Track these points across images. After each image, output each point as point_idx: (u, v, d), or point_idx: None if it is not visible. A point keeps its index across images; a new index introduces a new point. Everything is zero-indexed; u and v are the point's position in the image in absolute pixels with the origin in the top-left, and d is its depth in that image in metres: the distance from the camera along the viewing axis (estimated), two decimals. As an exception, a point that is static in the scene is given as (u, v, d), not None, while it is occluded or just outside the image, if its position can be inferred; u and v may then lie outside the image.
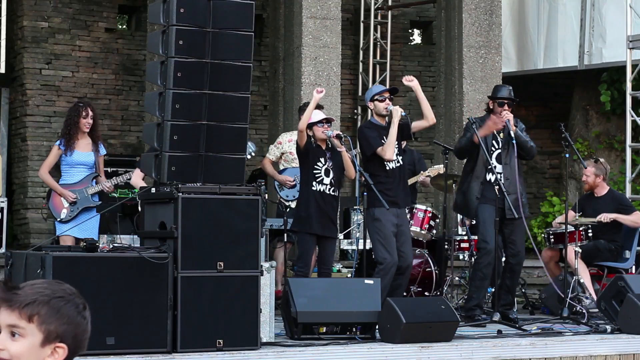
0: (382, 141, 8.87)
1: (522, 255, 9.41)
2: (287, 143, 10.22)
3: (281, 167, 10.30)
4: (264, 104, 14.00)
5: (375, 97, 9.02)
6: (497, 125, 9.14)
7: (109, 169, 11.73)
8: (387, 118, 9.02)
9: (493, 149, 9.29)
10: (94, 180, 9.28)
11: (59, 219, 9.17)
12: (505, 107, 9.28)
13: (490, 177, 9.19)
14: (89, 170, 9.28)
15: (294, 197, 9.89)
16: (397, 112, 8.85)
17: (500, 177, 9.15)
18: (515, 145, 9.11)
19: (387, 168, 8.91)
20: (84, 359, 7.56)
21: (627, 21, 12.51)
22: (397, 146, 8.96)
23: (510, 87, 9.48)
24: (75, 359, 2.59)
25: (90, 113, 9.22)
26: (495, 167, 9.23)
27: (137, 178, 9.33)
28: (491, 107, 9.41)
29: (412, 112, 9.57)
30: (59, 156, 9.20)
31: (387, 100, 8.97)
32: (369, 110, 9.32)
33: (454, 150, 9.77)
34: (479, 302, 9.29)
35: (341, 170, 8.93)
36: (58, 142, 9.24)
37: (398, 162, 8.98)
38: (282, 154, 10.33)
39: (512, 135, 9.14)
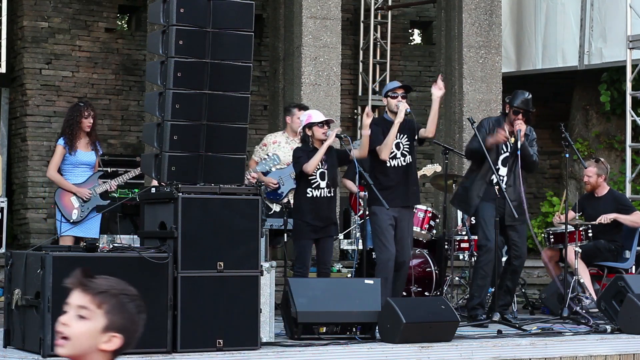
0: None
1: (525, 257, 9.44)
2: (272, 145, 10.14)
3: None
4: (264, 104, 13.99)
5: (389, 94, 8.98)
6: (500, 139, 9.11)
7: (109, 169, 11.73)
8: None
9: (502, 151, 9.27)
10: (99, 179, 9.31)
11: (71, 220, 9.12)
12: (520, 116, 9.23)
13: (494, 177, 9.18)
14: (91, 170, 9.30)
15: (278, 198, 9.87)
16: (401, 111, 8.79)
17: (503, 179, 9.16)
18: (519, 156, 9.10)
19: (388, 165, 8.88)
20: (84, 359, 7.46)
21: (627, 21, 12.51)
22: (407, 145, 8.94)
23: (529, 96, 9.33)
24: None
25: (92, 113, 9.26)
26: (499, 169, 9.23)
27: None
28: (507, 111, 9.35)
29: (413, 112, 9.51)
30: (64, 155, 9.19)
31: (400, 97, 8.93)
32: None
33: (465, 152, 9.54)
34: (481, 301, 9.28)
35: (336, 168, 8.92)
36: (62, 142, 9.18)
37: (405, 161, 8.93)
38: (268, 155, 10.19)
39: (519, 146, 9.11)
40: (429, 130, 8.93)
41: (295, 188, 9.08)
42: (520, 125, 9.15)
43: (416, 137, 8.97)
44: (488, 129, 9.24)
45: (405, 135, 8.95)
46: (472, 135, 9.36)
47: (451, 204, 10.02)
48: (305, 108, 10.34)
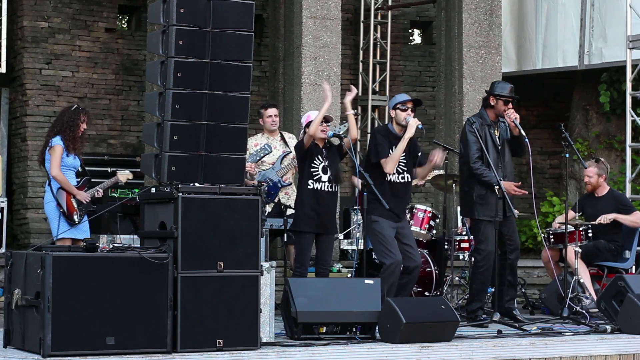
0: (391, 151, 8.77)
1: (519, 248, 9.42)
2: (253, 148, 10.14)
3: None
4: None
5: (398, 106, 8.86)
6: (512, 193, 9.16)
7: (109, 169, 11.77)
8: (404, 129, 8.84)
9: (498, 144, 9.26)
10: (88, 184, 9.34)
11: (75, 222, 9.12)
12: (510, 105, 9.23)
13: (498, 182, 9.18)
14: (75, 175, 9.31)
15: (270, 198, 9.84)
16: (412, 126, 8.68)
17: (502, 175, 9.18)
18: (527, 143, 9.12)
19: (387, 179, 8.82)
20: (84, 359, 7.52)
21: (627, 21, 12.51)
22: (403, 162, 8.83)
23: (511, 85, 9.37)
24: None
25: (86, 119, 9.27)
26: (501, 167, 9.25)
27: None
28: (492, 103, 9.31)
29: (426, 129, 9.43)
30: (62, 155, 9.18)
31: (409, 110, 8.84)
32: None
33: (475, 172, 9.16)
34: (481, 305, 9.26)
35: (338, 163, 8.92)
36: (60, 142, 9.14)
37: (404, 178, 8.87)
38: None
39: (524, 134, 9.13)
40: (420, 177, 9.27)
41: (298, 182, 9.06)
42: (515, 114, 9.15)
43: (418, 155, 8.99)
44: (478, 135, 9.16)
45: (404, 153, 8.86)
46: (465, 147, 9.22)
47: (472, 216, 9.45)
48: (272, 105, 10.40)
